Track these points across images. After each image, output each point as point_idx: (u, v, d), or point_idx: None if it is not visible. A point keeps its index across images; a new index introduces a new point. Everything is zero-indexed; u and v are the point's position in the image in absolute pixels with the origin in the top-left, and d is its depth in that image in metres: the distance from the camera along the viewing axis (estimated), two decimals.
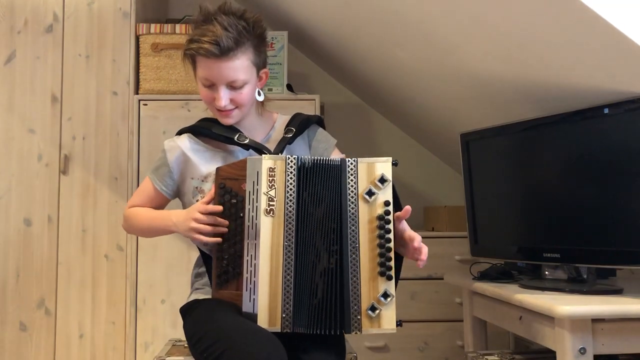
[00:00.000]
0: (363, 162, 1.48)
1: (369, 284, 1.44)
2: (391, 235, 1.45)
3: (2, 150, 2.60)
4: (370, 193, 1.46)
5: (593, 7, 1.39)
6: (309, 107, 2.57)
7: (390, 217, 1.45)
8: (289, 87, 2.71)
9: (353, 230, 1.45)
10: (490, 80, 2.02)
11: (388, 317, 1.43)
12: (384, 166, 1.47)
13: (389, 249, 1.44)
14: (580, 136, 1.76)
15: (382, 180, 1.46)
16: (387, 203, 1.46)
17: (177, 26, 2.63)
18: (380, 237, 1.44)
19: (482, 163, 2.13)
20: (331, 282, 1.44)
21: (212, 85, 1.59)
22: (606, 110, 1.68)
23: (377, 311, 1.43)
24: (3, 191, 2.59)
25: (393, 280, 1.44)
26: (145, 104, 2.56)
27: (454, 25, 1.85)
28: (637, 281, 1.97)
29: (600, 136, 1.70)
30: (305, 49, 3.04)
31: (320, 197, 1.46)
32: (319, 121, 1.78)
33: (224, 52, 1.53)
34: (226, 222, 1.48)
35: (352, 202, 1.46)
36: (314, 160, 1.48)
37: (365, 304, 1.43)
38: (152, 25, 2.61)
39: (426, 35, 2.01)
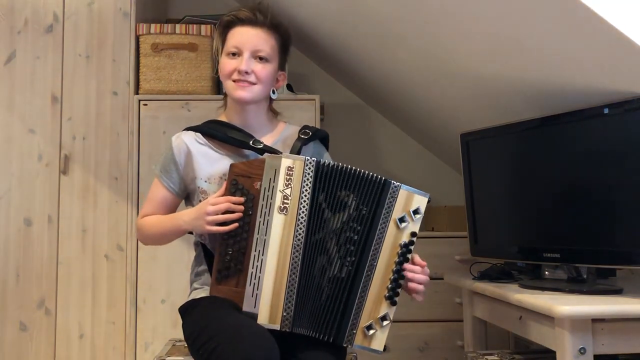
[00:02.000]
0: (404, 190, 1.51)
1: (373, 303, 1.48)
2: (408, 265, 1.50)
3: (2, 150, 2.60)
4: (402, 220, 1.49)
5: (593, 7, 1.39)
6: (309, 107, 2.57)
7: (412, 248, 1.50)
8: (289, 87, 2.71)
9: (376, 249, 1.48)
10: (490, 80, 2.02)
11: (379, 339, 1.48)
12: (421, 200, 1.52)
13: (402, 277, 1.49)
14: (580, 136, 1.76)
15: (416, 212, 1.51)
16: (413, 234, 1.51)
17: (177, 26, 2.62)
18: (399, 263, 1.49)
19: (482, 163, 2.12)
20: (338, 291, 1.46)
21: (237, 55, 1.65)
22: (606, 110, 1.68)
23: (373, 331, 1.47)
24: (3, 191, 2.59)
25: (395, 307, 1.49)
26: (145, 104, 2.56)
27: (454, 25, 1.85)
28: (637, 281, 1.97)
29: (600, 136, 1.70)
30: (305, 49, 3.04)
31: (341, 204, 1.48)
32: (325, 137, 1.79)
33: (258, 21, 1.67)
34: (241, 208, 1.47)
35: (384, 223, 1.49)
36: (333, 165, 1.48)
37: (364, 321, 1.47)
38: (152, 25, 2.61)
39: (426, 35, 2.01)
